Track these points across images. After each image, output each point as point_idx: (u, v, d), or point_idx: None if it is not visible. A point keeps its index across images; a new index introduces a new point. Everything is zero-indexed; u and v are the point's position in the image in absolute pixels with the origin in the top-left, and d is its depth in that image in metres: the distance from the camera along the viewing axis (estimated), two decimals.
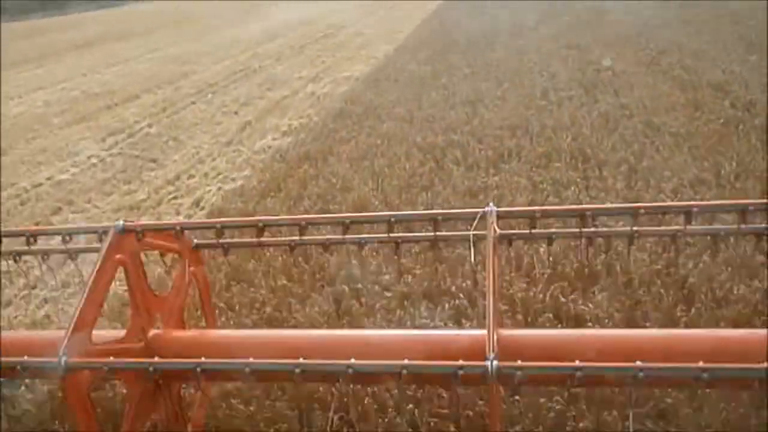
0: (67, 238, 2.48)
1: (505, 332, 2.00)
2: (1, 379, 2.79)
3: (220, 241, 2.45)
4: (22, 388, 3.05)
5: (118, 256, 2.20)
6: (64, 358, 1.93)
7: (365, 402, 2.69)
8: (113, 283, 2.34)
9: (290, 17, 24.55)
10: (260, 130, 8.94)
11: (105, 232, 2.28)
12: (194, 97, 11.63)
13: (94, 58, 18.04)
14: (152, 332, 2.36)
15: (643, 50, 10.25)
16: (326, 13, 24.67)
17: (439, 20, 18.14)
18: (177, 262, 2.75)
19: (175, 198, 6.68)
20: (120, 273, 2.31)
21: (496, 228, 2.03)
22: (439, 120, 7.38)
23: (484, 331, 1.81)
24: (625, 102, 7.36)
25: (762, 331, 1.95)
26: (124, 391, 2.58)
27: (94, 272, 2.14)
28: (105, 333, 2.37)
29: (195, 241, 2.56)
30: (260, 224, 2.24)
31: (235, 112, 10.28)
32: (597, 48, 10.97)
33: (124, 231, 2.24)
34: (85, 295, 2.08)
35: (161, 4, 38.56)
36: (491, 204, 2.17)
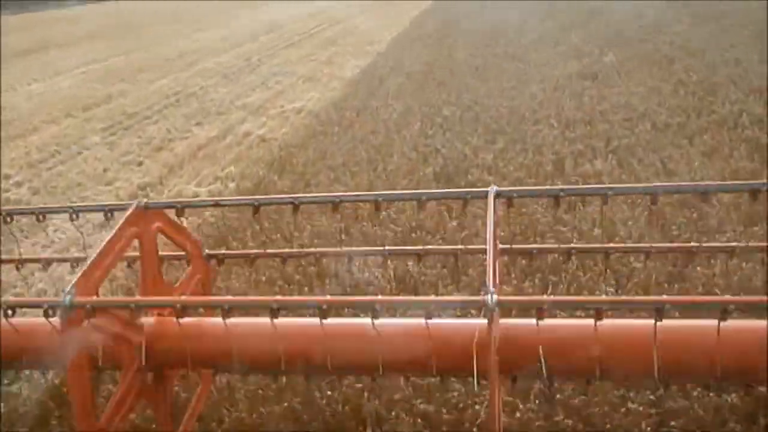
0: (74, 216, 2.43)
1: (510, 323, 1.91)
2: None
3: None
4: None
5: (133, 228, 2.15)
6: (68, 297, 1.87)
7: None
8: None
9: (263, 19, 21.61)
10: (154, 200, 6.09)
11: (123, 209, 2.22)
12: (101, 134, 8.73)
13: (25, 69, 15.00)
14: (154, 318, 2.20)
15: (683, 84, 7.37)
16: (304, 15, 21.74)
17: (423, 29, 15.24)
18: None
19: None
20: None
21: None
22: (395, 219, 4.52)
23: (486, 322, 1.69)
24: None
25: (762, 323, 1.78)
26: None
27: (107, 239, 2.06)
28: (100, 322, 2.13)
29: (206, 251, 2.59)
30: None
31: (140, 163, 7.43)
32: (620, 78, 8.12)
33: (147, 208, 2.22)
34: (94, 257, 2.00)
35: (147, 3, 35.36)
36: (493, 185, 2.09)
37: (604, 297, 1.87)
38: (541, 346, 1.83)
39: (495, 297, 1.69)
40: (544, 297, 1.89)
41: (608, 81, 7.96)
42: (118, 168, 7.31)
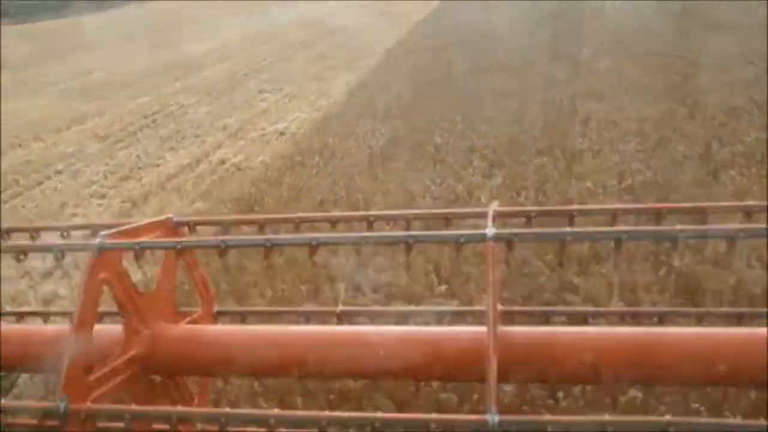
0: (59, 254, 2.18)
1: (506, 330, 1.84)
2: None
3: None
4: None
5: (101, 275, 1.89)
6: (63, 405, 1.72)
7: None
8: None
9: (257, 29, 20.90)
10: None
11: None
12: (67, 161, 8.01)
13: (11, 83, 14.31)
14: (147, 332, 2.07)
15: (700, 107, 6.64)
16: (302, 24, 21.03)
17: (421, 39, 14.53)
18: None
19: None
20: None
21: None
22: (373, 280, 3.78)
23: (484, 329, 1.67)
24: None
25: (762, 330, 1.75)
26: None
27: (80, 297, 1.84)
28: (103, 329, 2.07)
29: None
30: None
31: (103, 196, 6.71)
32: (628, 97, 7.40)
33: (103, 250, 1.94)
34: (75, 322, 1.81)
35: (156, 6, 34.62)
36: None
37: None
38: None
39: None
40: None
41: (616, 102, 7.22)
42: (77, 201, 6.59)
